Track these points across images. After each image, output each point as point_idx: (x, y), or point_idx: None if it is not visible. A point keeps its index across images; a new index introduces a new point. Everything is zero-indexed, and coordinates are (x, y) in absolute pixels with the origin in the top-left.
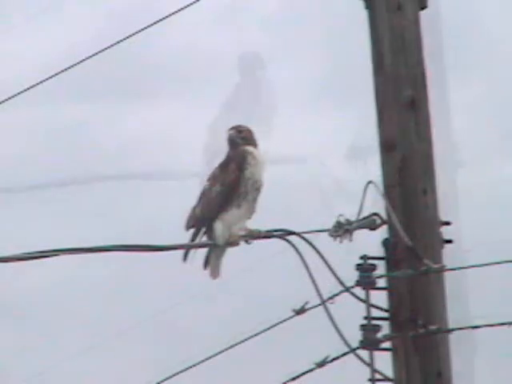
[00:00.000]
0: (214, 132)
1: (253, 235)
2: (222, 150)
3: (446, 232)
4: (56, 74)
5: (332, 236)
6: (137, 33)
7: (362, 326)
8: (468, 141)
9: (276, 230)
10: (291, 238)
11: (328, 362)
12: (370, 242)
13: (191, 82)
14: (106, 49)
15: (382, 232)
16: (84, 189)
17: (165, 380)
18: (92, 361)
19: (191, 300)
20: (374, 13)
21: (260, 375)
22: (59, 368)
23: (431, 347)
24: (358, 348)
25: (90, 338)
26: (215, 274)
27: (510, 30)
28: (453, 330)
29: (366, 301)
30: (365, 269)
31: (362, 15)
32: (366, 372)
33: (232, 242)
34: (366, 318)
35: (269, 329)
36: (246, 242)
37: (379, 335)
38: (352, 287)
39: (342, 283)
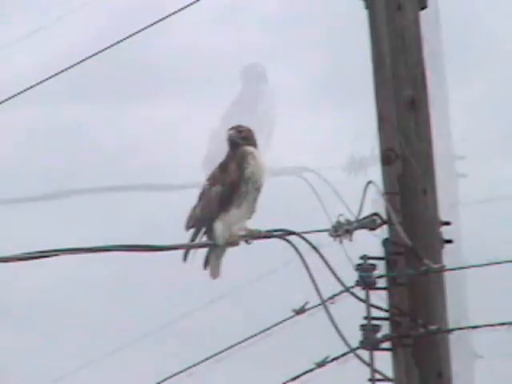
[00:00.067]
0: (215, 142)
1: (253, 235)
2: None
3: (445, 232)
4: (56, 74)
5: (332, 236)
6: (137, 33)
7: (362, 326)
8: (468, 141)
9: (276, 230)
10: (291, 237)
11: (328, 362)
12: (370, 242)
13: (191, 82)
14: (106, 49)
15: (382, 232)
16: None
17: (165, 380)
18: (92, 361)
19: (191, 300)
20: (373, 13)
21: (260, 375)
22: (59, 368)
23: (431, 347)
24: (358, 348)
25: (89, 337)
26: (215, 273)
27: (509, 29)
28: (453, 329)
29: (366, 301)
30: (365, 269)
31: (362, 15)
32: (366, 372)
33: (232, 242)
34: (365, 318)
35: (269, 329)
36: (246, 241)
37: (379, 335)
38: (352, 287)
39: (342, 283)
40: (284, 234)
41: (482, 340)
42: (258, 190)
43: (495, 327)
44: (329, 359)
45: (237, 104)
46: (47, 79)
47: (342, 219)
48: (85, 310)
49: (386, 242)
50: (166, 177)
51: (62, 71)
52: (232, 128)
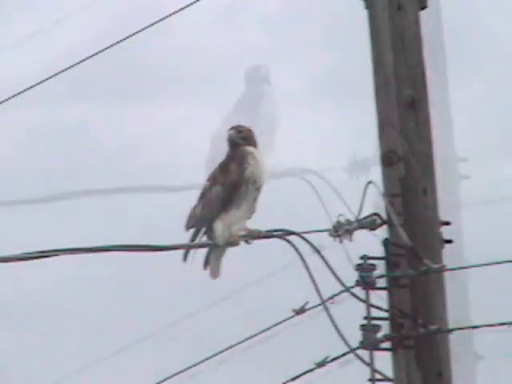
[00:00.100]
0: (217, 144)
1: (253, 235)
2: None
3: (448, 234)
4: (56, 74)
5: (332, 236)
6: (137, 33)
7: (362, 326)
8: (468, 140)
9: (276, 230)
10: (291, 237)
11: (328, 362)
12: (370, 242)
13: (191, 82)
14: (106, 49)
15: (382, 232)
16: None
17: (165, 380)
18: (92, 360)
19: (191, 300)
20: (373, 13)
21: (260, 375)
22: (59, 368)
23: (431, 347)
24: (358, 348)
25: (89, 337)
26: (215, 273)
27: (510, 29)
28: (453, 329)
29: (366, 301)
30: (365, 269)
31: (362, 15)
32: (366, 372)
33: (232, 242)
34: (365, 318)
35: (269, 329)
36: (246, 241)
37: (379, 335)
38: (352, 287)
39: (342, 283)
40: (284, 234)
41: (484, 341)
42: (258, 189)
43: (495, 327)
44: (329, 359)
45: (239, 106)
46: (47, 79)
47: (342, 219)
48: (85, 310)
49: (386, 242)
50: (166, 177)
51: (62, 71)
52: (232, 128)
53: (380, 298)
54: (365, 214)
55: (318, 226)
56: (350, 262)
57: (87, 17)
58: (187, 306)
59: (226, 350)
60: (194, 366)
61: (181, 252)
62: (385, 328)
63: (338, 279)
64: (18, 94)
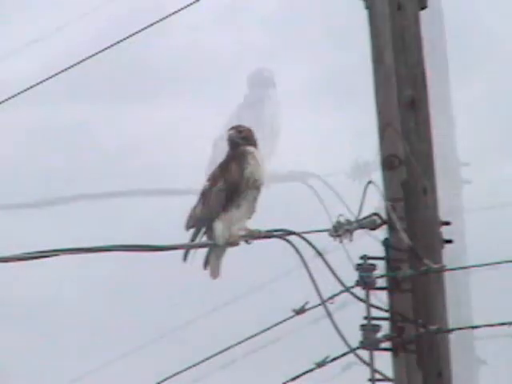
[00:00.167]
0: (219, 147)
1: (253, 235)
2: None
3: (450, 236)
4: (56, 74)
5: (332, 236)
6: (137, 33)
7: (362, 326)
8: (469, 142)
9: (276, 230)
10: (291, 237)
11: (328, 362)
12: (370, 242)
13: (191, 82)
14: (106, 49)
15: (382, 232)
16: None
17: (165, 380)
18: (92, 360)
19: (191, 300)
20: (374, 13)
21: (260, 375)
22: (59, 368)
23: (431, 347)
24: (358, 348)
25: (89, 337)
26: (215, 273)
27: (510, 29)
28: (453, 329)
29: (366, 301)
30: (365, 269)
31: (362, 15)
32: (366, 372)
33: (232, 242)
34: (365, 318)
35: (269, 329)
36: (246, 241)
37: (379, 335)
38: (352, 287)
39: (342, 283)
40: (284, 234)
41: (486, 346)
42: (257, 189)
43: (496, 327)
44: (329, 359)
45: (242, 110)
46: (47, 79)
47: (342, 219)
48: (85, 310)
49: (386, 242)
50: (165, 177)
51: (62, 71)
52: (232, 128)
53: (380, 298)
54: (365, 214)
55: (318, 227)
56: (350, 261)
57: (87, 17)
58: (187, 306)
59: (226, 349)
60: (194, 365)
61: (181, 252)
62: (385, 328)
63: (338, 279)
64: (18, 94)
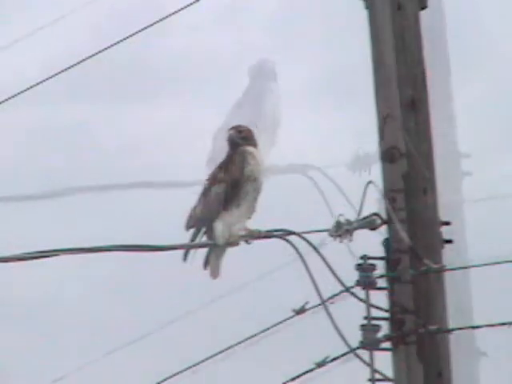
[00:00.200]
0: (220, 139)
1: (253, 235)
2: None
3: (449, 230)
4: (56, 74)
5: (332, 236)
6: (137, 33)
7: (362, 326)
8: (469, 140)
9: (276, 230)
10: (291, 237)
11: (328, 362)
12: (370, 242)
13: (191, 82)
14: (106, 49)
15: (382, 232)
16: (86, 190)
17: (164, 380)
18: (92, 361)
19: (191, 300)
20: (374, 13)
21: (260, 375)
22: (60, 368)
23: (431, 347)
24: (358, 348)
25: (89, 337)
26: (215, 273)
27: (510, 29)
28: (453, 329)
29: (366, 301)
30: (365, 269)
31: (362, 15)
32: (366, 372)
33: (232, 242)
34: (366, 318)
35: (269, 329)
36: (246, 241)
37: (379, 335)
38: (352, 287)
39: (342, 283)
40: (284, 234)
41: (486, 338)
42: (257, 189)
43: (496, 327)
44: (329, 359)
45: (243, 100)
46: (47, 79)
47: (342, 219)
48: (85, 310)
49: (386, 242)
50: (166, 177)
51: (62, 71)
52: (232, 128)
53: (380, 298)
54: (365, 213)
55: (318, 226)
56: (354, 258)
57: (87, 16)
58: (187, 306)
59: (226, 349)
60: (194, 365)
61: (181, 252)
62: (385, 328)
63: (338, 279)
64: (18, 94)
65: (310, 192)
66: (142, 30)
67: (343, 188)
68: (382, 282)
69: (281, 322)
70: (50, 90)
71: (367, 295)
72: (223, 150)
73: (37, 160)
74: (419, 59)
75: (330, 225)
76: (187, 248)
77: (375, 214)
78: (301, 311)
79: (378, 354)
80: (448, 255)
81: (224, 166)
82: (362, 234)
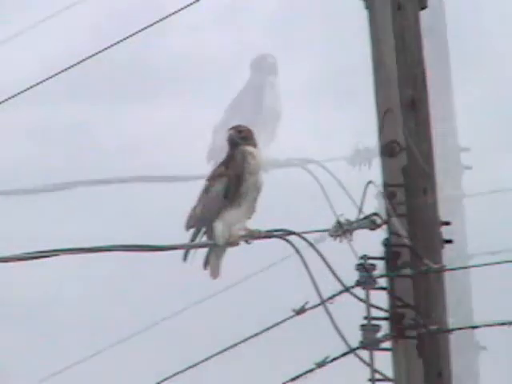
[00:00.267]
0: (220, 134)
1: (253, 235)
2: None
3: (445, 232)
4: (56, 74)
5: (332, 236)
6: (137, 33)
7: (362, 326)
8: (469, 140)
9: (276, 230)
10: (291, 238)
11: (328, 362)
12: (370, 242)
13: (191, 82)
14: (105, 49)
15: (382, 232)
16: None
17: (164, 380)
18: (92, 361)
19: (191, 300)
20: (373, 13)
21: (260, 375)
22: (59, 368)
23: (431, 347)
24: (358, 348)
25: (89, 337)
26: (215, 273)
27: (510, 29)
28: (453, 329)
29: (366, 301)
30: (365, 269)
31: (362, 15)
32: (366, 372)
33: (232, 242)
34: (365, 318)
35: (269, 329)
36: (246, 241)
37: (379, 335)
38: (352, 287)
39: (341, 283)
40: (284, 234)
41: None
42: (257, 189)
43: (495, 327)
44: (329, 359)
45: (243, 95)
46: (47, 79)
47: (342, 219)
48: (85, 310)
49: (386, 242)
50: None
51: (62, 71)
52: (232, 128)
53: (380, 298)
54: (365, 210)
55: (318, 223)
56: (356, 256)
57: (87, 15)
58: (187, 306)
59: (226, 349)
60: (193, 365)
61: (181, 252)
62: (385, 328)
63: (338, 279)
64: (18, 94)
65: (309, 188)
66: (142, 29)
67: (343, 182)
68: (382, 282)
69: (281, 322)
70: (50, 89)
71: (367, 295)
72: (223, 143)
73: (37, 160)
74: (419, 59)
75: (330, 223)
76: (187, 248)
77: (375, 214)
78: (301, 311)
79: (378, 354)
80: (448, 255)
81: (224, 166)
82: (362, 234)
